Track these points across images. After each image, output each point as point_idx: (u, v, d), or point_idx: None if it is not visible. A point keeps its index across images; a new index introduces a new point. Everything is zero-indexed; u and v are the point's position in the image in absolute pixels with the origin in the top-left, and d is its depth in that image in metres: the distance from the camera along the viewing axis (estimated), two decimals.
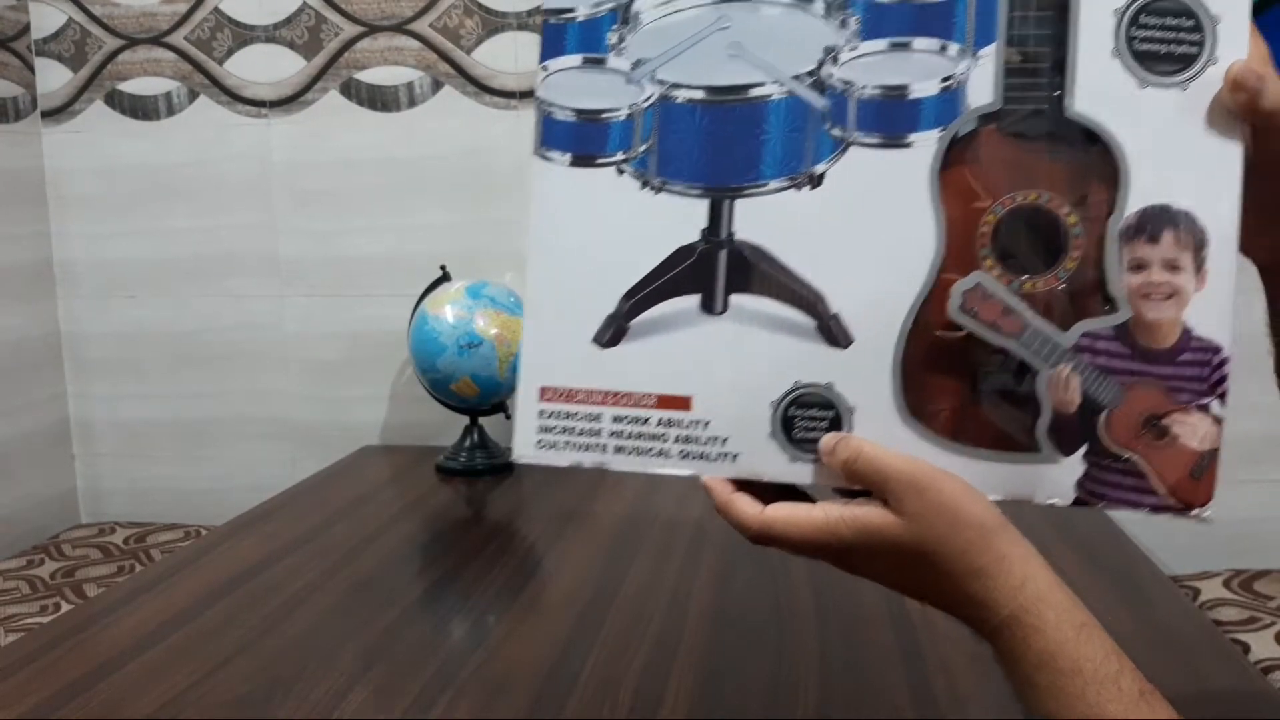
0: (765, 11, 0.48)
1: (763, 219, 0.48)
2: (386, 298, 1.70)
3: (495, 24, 1.63)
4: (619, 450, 0.49)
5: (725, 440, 0.48)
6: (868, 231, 0.47)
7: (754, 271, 0.48)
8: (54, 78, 1.74)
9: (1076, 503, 0.47)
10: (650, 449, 0.49)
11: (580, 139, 0.50)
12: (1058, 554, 1.04)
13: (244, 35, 1.69)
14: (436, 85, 1.66)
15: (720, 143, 0.48)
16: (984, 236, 0.46)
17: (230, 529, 1.22)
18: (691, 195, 0.48)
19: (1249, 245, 0.49)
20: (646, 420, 0.49)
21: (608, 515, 1.22)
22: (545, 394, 0.50)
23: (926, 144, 0.46)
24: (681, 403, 0.48)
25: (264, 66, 1.69)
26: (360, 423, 1.74)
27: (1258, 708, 0.74)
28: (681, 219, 0.48)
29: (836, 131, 0.47)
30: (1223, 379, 0.45)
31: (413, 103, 1.67)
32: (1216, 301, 0.45)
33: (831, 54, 0.47)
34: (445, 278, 1.55)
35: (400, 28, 1.65)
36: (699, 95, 0.48)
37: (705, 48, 0.48)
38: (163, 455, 1.81)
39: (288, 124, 1.70)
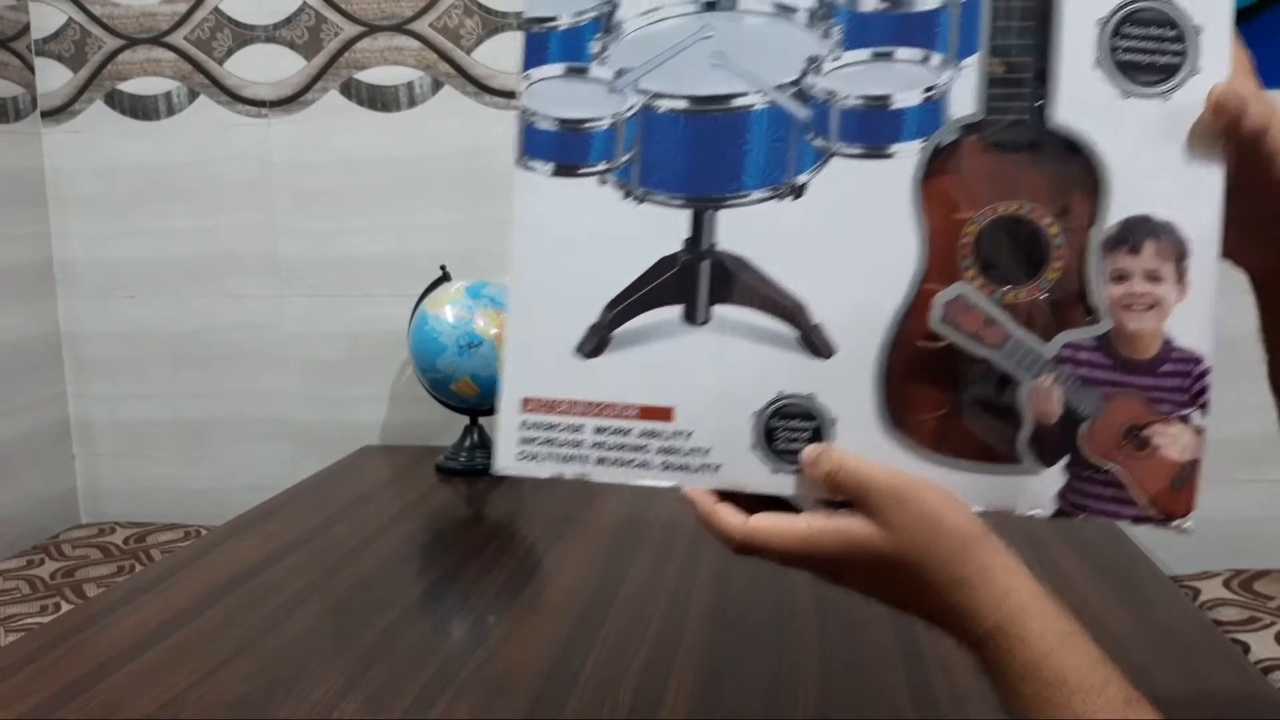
0: (748, 21, 0.48)
1: (745, 229, 0.48)
2: (386, 298, 1.70)
3: (495, 24, 1.63)
4: (601, 461, 0.49)
5: (707, 451, 0.48)
6: (850, 242, 0.47)
7: (736, 282, 0.48)
8: (54, 78, 1.74)
9: (1058, 514, 0.46)
10: (632, 460, 0.49)
11: (563, 149, 0.50)
12: (1058, 554, 1.04)
13: (244, 35, 1.69)
14: (436, 85, 1.66)
15: (702, 153, 0.48)
16: (966, 247, 0.46)
17: (230, 529, 1.22)
18: (674, 205, 0.48)
19: (1236, 257, 0.49)
20: (628, 431, 0.48)
21: (608, 515, 1.22)
22: (527, 405, 0.50)
23: (909, 154, 0.46)
24: (663, 414, 0.48)
25: (264, 66, 1.69)
26: (360, 423, 1.74)
27: (1258, 708, 0.74)
28: (664, 229, 0.48)
29: (819, 142, 0.47)
30: (1204, 390, 0.45)
31: (413, 103, 1.67)
32: (1198, 312, 0.45)
33: (814, 64, 0.47)
34: (445, 278, 1.55)
35: (400, 28, 1.65)
36: (681, 105, 0.48)
37: (688, 57, 0.48)
38: (163, 455, 1.81)
39: (288, 124, 1.70)
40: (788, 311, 0.47)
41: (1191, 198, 0.45)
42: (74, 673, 0.81)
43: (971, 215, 0.46)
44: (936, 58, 0.46)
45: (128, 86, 1.73)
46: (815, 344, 0.47)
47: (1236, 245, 0.47)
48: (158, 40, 1.71)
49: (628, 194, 0.49)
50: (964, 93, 0.46)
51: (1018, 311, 0.46)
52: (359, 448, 1.68)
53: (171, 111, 1.73)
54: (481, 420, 1.51)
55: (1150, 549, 1.07)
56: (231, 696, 0.77)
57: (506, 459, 0.50)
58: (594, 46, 0.49)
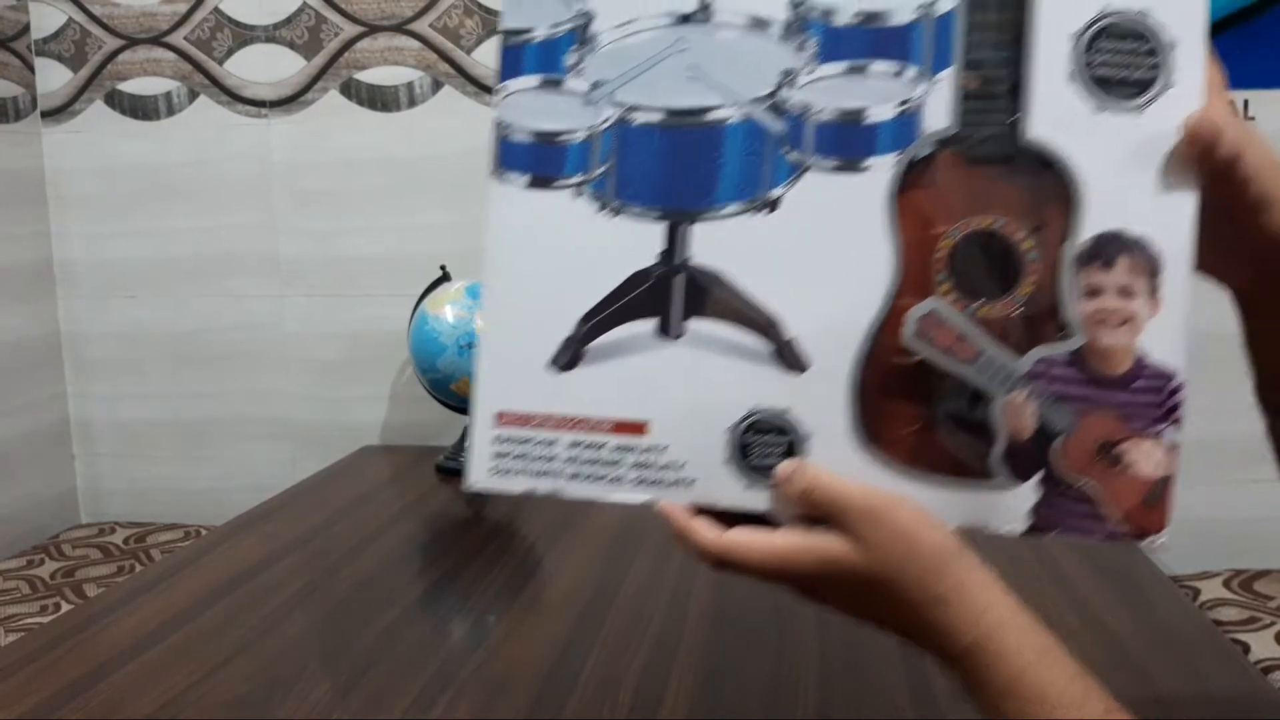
0: (722, 35, 0.48)
1: (720, 243, 0.47)
2: (386, 298, 1.70)
3: (495, 24, 1.63)
4: (574, 476, 0.49)
5: (681, 466, 0.48)
6: (824, 256, 0.47)
7: (710, 296, 0.47)
8: (54, 78, 1.74)
9: (1031, 530, 0.46)
10: (605, 475, 0.48)
11: (538, 160, 0.49)
12: (1058, 554, 1.04)
13: (244, 35, 1.69)
14: (436, 85, 1.66)
15: (678, 165, 0.48)
16: (940, 261, 0.46)
17: (230, 529, 1.22)
18: (649, 218, 0.48)
19: (1216, 274, 0.49)
20: (602, 446, 0.48)
21: (608, 515, 1.22)
22: (501, 419, 0.49)
23: (883, 168, 0.46)
24: (637, 428, 0.48)
25: (264, 66, 1.69)
26: (360, 423, 1.74)
27: (1258, 708, 0.74)
28: (639, 242, 0.48)
29: (793, 155, 0.47)
30: (1177, 406, 0.45)
31: (413, 103, 1.67)
32: (1171, 328, 0.45)
33: (789, 77, 0.47)
34: (445, 278, 1.55)
35: (400, 28, 1.65)
36: (656, 118, 0.48)
37: (663, 70, 0.48)
38: (163, 455, 1.81)
39: (288, 124, 1.70)
40: (762, 326, 0.47)
41: (1165, 214, 0.44)
42: (74, 673, 0.81)
43: (945, 229, 0.46)
44: (911, 71, 0.46)
45: (128, 86, 1.73)
46: (789, 358, 0.47)
47: (1216, 262, 0.48)
48: (158, 40, 1.71)
49: (603, 206, 0.48)
50: (938, 106, 0.46)
51: (991, 326, 0.45)
52: (359, 448, 1.68)
53: (171, 111, 1.73)
54: None
55: (1150, 549, 1.07)
56: (231, 696, 0.77)
57: (479, 474, 0.50)
58: (569, 59, 0.49)
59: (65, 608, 1.32)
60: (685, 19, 0.48)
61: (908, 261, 0.46)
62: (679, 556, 1.06)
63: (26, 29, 1.73)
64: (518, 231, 0.50)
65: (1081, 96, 0.45)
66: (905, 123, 0.46)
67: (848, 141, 0.47)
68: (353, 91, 1.67)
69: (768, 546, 0.45)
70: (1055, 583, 0.94)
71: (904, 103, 0.46)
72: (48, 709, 0.75)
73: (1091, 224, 0.45)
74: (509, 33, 0.50)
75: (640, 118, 0.48)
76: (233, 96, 1.71)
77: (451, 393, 1.43)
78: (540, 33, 0.50)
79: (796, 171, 0.47)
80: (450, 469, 1.47)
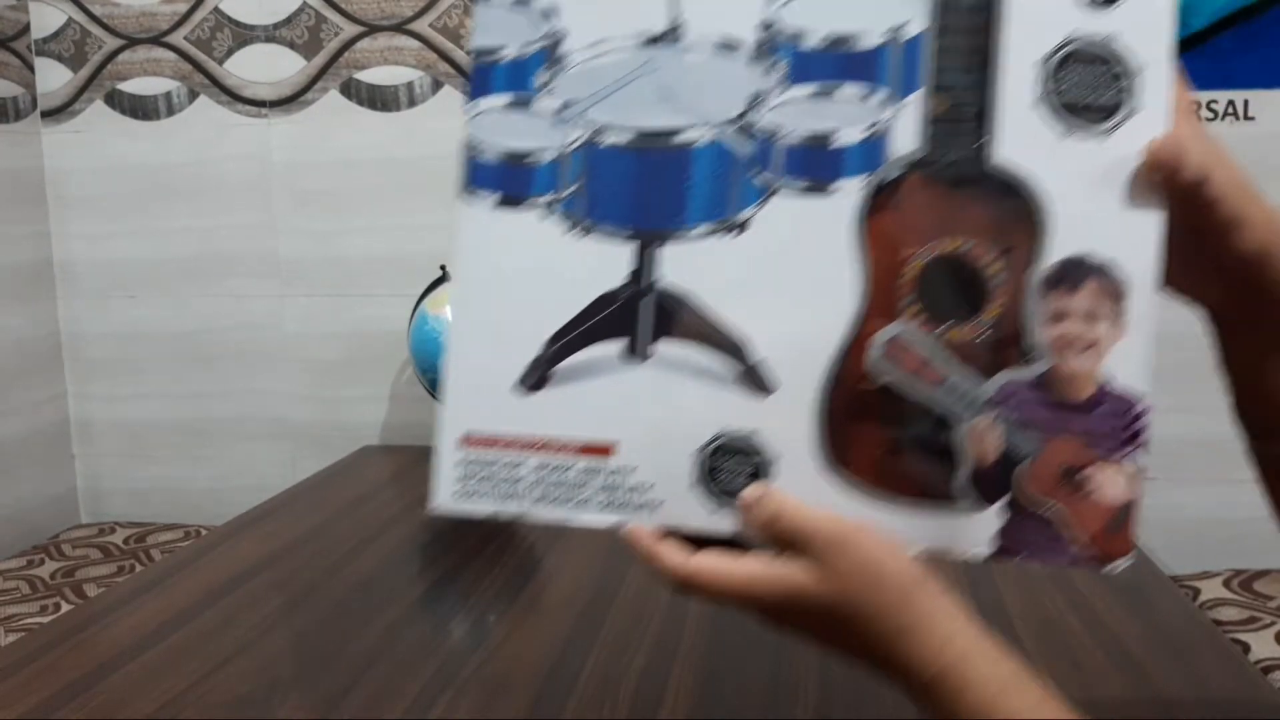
0: (692, 56, 0.48)
1: (688, 264, 0.47)
2: (386, 298, 1.70)
3: None
4: (540, 499, 0.48)
5: (649, 488, 0.48)
6: (791, 278, 0.47)
7: (678, 317, 0.47)
8: (54, 78, 1.74)
9: (997, 554, 0.46)
10: (572, 497, 0.48)
11: (507, 180, 0.49)
12: None
13: (244, 35, 1.69)
14: (436, 85, 1.66)
15: (646, 186, 0.48)
16: (907, 284, 0.46)
17: (230, 529, 1.22)
18: (619, 238, 0.48)
19: (1188, 293, 0.49)
20: (569, 468, 0.48)
21: None
22: (467, 441, 0.49)
23: (850, 191, 0.46)
24: (604, 450, 0.48)
25: (264, 66, 1.69)
26: (360, 423, 1.74)
27: (1258, 708, 0.74)
28: (607, 263, 0.48)
29: (762, 178, 0.47)
30: (1141, 431, 0.45)
31: (413, 103, 1.67)
32: (1136, 353, 0.45)
33: (757, 100, 0.47)
34: (445, 278, 1.55)
35: (400, 28, 1.65)
36: (626, 138, 0.48)
37: (633, 91, 0.48)
38: (163, 455, 1.81)
39: (288, 124, 1.70)
40: (730, 347, 0.47)
41: (1130, 239, 0.44)
42: (74, 673, 0.81)
43: (913, 252, 0.46)
44: (879, 95, 0.46)
45: (128, 86, 1.73)
46: (757, 380, 0.47)
47: (1187, 282, 0.48)
48: (158, 40, 1.71)
49: (573, 226, 0.48)
50: (906, 130, 0.46)
51: (958, 350, 0.45)
52: (359, 448, 1.68)
53: (171, 111, 1.73)
54: None
55: (1150, 549, 1.07)
56: (231, 696, 0.77)
57: (444, 496, 0.49)
58: (539, 78, 0.49)
59: (65, 608, 1.32)
60: (655, 40, 0.48)
61: (875, 284, 0.46)
62: None
63: (26, 29, 1.73)
64: (486, 251, 0.49)
65: (1048, 121, 0.45)
66: (873, 146, 0.46)
67: (816, 164, 0.47)
68: (353, 91, 1.67)
69: (733, 574, 0.45)
70: (1055, 583, 0.94)
71: (872, 126, 0.46)
72: (48, 709, 0.75)
73: (1058, 248, 0.45)
74: (479, 52, 0.50)
75: (610, 138, 0.48)
76: (233, 96, 1.71)
77: None
78: (510, 52, 0.49)
79: (765, 193, 0.47)
80: None
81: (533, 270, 0.49)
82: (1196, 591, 1.29)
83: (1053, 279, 0.45)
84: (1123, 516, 0.45)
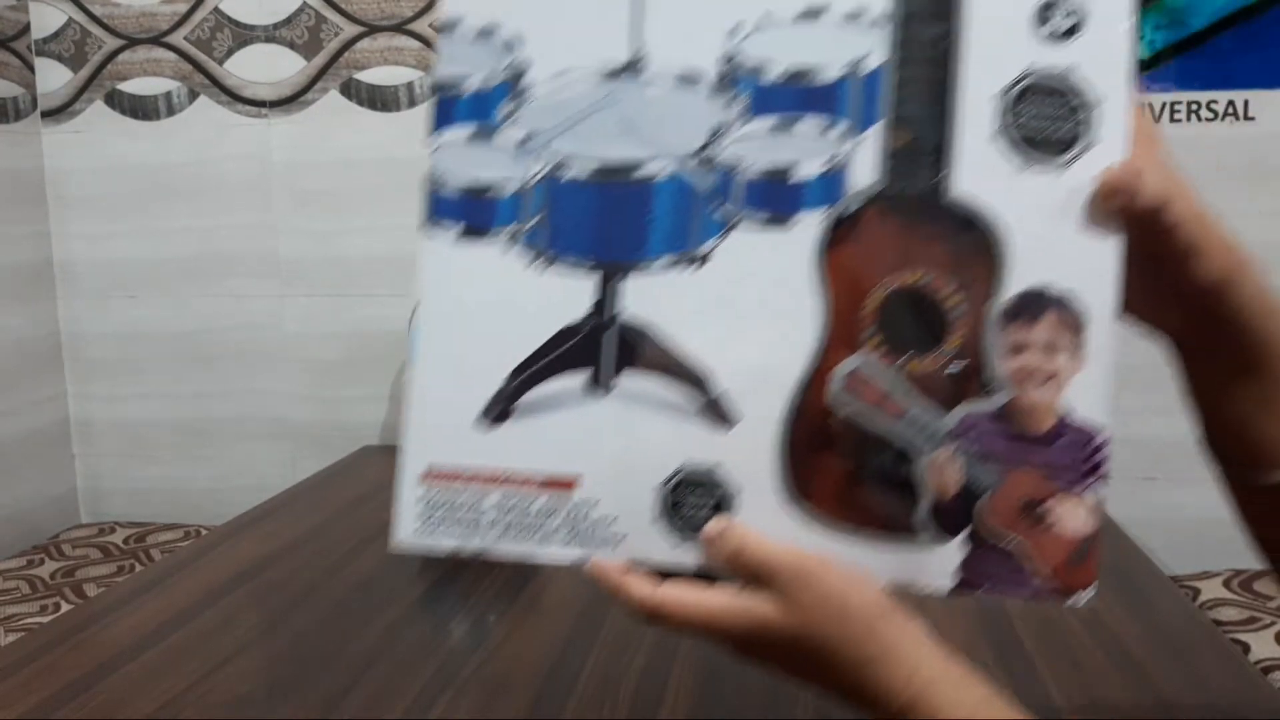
0: (653, 90, 0.48)
1: (650, 297, 0.47)
2: (386, 298, 1.70)
3: None
4: (503, 534, 0.48)
5: (611, 522, 0.47)
6: (753, 311, 0.47)
7: (641, 350, 0.47)
8: (54, 78, 1.74)
9: (959, 587, 0.46)
10: (535, 532, 0.48)
11: (470, 212, 0.49)
12: None
13: (244, 35, 1.69)
14: None
15: (608, 219, 0.48)
16: (868, 316, 0.46)
17: (230, 529, 1.22)
18: (582, 270, 0.48)
19: (1150, 322, 0.49)
20: (532, 503, 0.48)
21: None
22: (429, 475, 0.49)
23: (811, 224, 0.46)
24: (567, 483, 0.48)
25: (264, 66, 1.69)
26: (360, 423, 1.74)
27: (1258, 708, 0.74)
28: (570, 295, 0.48)
29: (723, 210, 0.47)
30: (1101, 463, 0.45)
31: (413, 103, 1.67)
32: (1096, 385, 0.45)
33: (718, 133, 0.47)
34: None
35: (400, 28, 1.65)
36: (588, 171, 0.48)
37: (595, 123, 0.48)
38: (163, 455, 1.81)
39: (288, 124, 1.70)
40: (692, 380, 0.47)
41: (1089, 270, 0.45)
42: (74, 673, 0.81)
43: (873, 284, 0.46)
44: (838, 128, 0.46)
45: (128, 86, 1.73)
46: (719, 413, 0.46)
47: (1147, 311, 0.48)
48: (158, 40, 1.71)
49: (536, 258, 0.48)
50: (866, 163, 0.46)
51: (918, 382, 0.45)
52: (359, 448, 1.68)
53: (171, 111, 1.73)
54: None
55: (1150, 549, 1.07)
56: (231, 696, 0.77)
57: (405, 532, 0.49)
58: (502, 110, 0.49)
59: (65, 608, 1.32)
60: (618, 72, 0.48)
61: (836, 316, 0.46)
62: None
63: (26, 29, 1.73)
64: (449, 284, 0.50)
65: (1006, 154, 0.45)
66: (832, 179, 0.46)
67: (776, 197, 0.47)
68: (353, 91, 1.67)
69: (699, 605, 0.45)
70: None
71: (832, 159, 0.46)
72: (48, 709, 0.75)
73: (1016, 280, 0.45)
74: (442, 84, 0.50)
75: (572, 171, 0.48)
76: (233, 96, 1.71)
77: None
78: (473, 84, 0.49)
79: (726, 226, 0.47)
80: None
81: (495, 303, 0.49)
82: (1196, 591, 1.29)
83: (1012, 311, 0.45)
84: (1085, 549, 0.45)
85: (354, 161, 1.69)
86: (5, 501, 1.67)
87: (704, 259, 0.47)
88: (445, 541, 0.49)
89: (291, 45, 1.68)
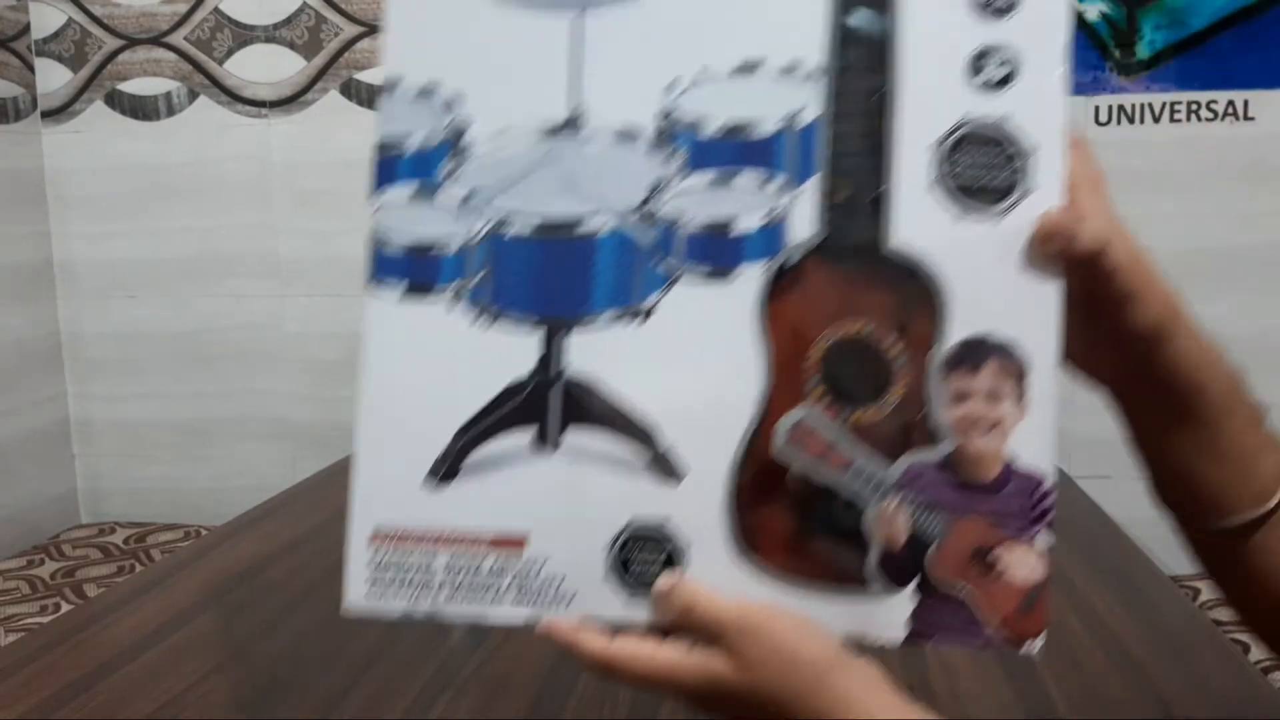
0: (593, 146, 0.48)
1: (595, 352, 0.47)
2: None
3: None
4: (452, 596, 0.48)
5: (561, 581, 0.47)
6: (697, 365, 0.47)
7: (587, 405, 0.47)
8: (54, 78, 1.74)
9: (910, 638, 0.46)
10: (485, 593, 0.48)
11: (413, 269, 0.49)
12: (1057, 554, 1.04)
13: (244, 35, 1.69)
14: None
15: (552, 275, 0.48)
16: (811, 367, 0.46)
17: (230, 529, 1.22)
18: (526, 327, 0.48)
19: (1091, 372, 0.49)
20: (480, 562, 0.48)
21: None
22: (377, 537, 0.49)
23: (752, 276, 0.46)
24: (516, 543, 0.47)
25: (264, 66, 1.69)
26: None
27: (1258, 708, 0.74)
28: (514, 353, 0.48)
29: (665, 265, 0.47)
30: (1047, 510, 0.45)
31: None
32: (1039, 431, 0.45)
33: (658, 188, 0.47)
34: None
35: None
36: (530, 228, 0.48)
37: (536, 180, 0.48)
38: (163, 455, 1.81)
39: (288, 124, 1.70)
40: (639, 434, 0.47)
41: (1030, 317, 0.45)
42: (74, 673, 0.81)
43: (816, 336, 0.46)
44: (776, 181, 0.46)
45: (128, 86, 1.73)
46: (666, 468, 0.46)
47: (1087, 360, 0.48)
48: (158, 40, 1.71)
49: (479, 315, 0.48)
50: (804, 215, 0.46)
51: (863, 433, 0.45)
52: None
53: (171, 111, 1.73)
54: None
55: (1150, 549, 1.07)
56: (231, 696, 0.77)
57: (355, 596, 0.49)
58: (444, 168, 0.49)
59: (65, 608, 1.32)
60: (558, 129, 0.48)
61: (780, 368, 0.46)
62: None
63: (26, 29, 1.73)
64: (393, 342, 0.50)
65: (943, 203, 0.45)
66: (772, 231, 0.46)
67: (717, 251, 0.47)
68: (353, 91, 1.67)
69: (653, 660, 0.45)
70: (1055, 583, 0.94)
71: (770, 212, 0.46)
72: (48, 709, 0.75)
73: (957, 329, 0.45)
74: (383, 143, 0.50)
75: (514, 227, 0.48)
76: (233, 96, 1.71)
77: None
78: (415, 142, 0.49)
79: (669, 280, 0.47)
80: None
81: (439, 361, 0.49)
82: (1196, 591, 1.29)
83: (954, 360, 0.45)
84: (1034, 596, 0.45)
85: (354, 161, 1.68)
86: (5, 501, 1.67)
87: (648, 313, 0.47)
88: (396, 604, 0.49)
89: (291, 45, 1.68)
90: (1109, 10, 1.63)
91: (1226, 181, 1.58)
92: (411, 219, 0.49)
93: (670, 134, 0.47)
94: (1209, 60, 1.60)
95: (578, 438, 0.47)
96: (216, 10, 1.69)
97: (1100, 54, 1.63)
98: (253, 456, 1.78)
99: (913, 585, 0.46)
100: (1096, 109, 1.62)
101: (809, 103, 0.46)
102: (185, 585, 1.01)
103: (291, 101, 1.69)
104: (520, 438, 0.48)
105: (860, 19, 0.46)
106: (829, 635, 0.45)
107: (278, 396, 1.76)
